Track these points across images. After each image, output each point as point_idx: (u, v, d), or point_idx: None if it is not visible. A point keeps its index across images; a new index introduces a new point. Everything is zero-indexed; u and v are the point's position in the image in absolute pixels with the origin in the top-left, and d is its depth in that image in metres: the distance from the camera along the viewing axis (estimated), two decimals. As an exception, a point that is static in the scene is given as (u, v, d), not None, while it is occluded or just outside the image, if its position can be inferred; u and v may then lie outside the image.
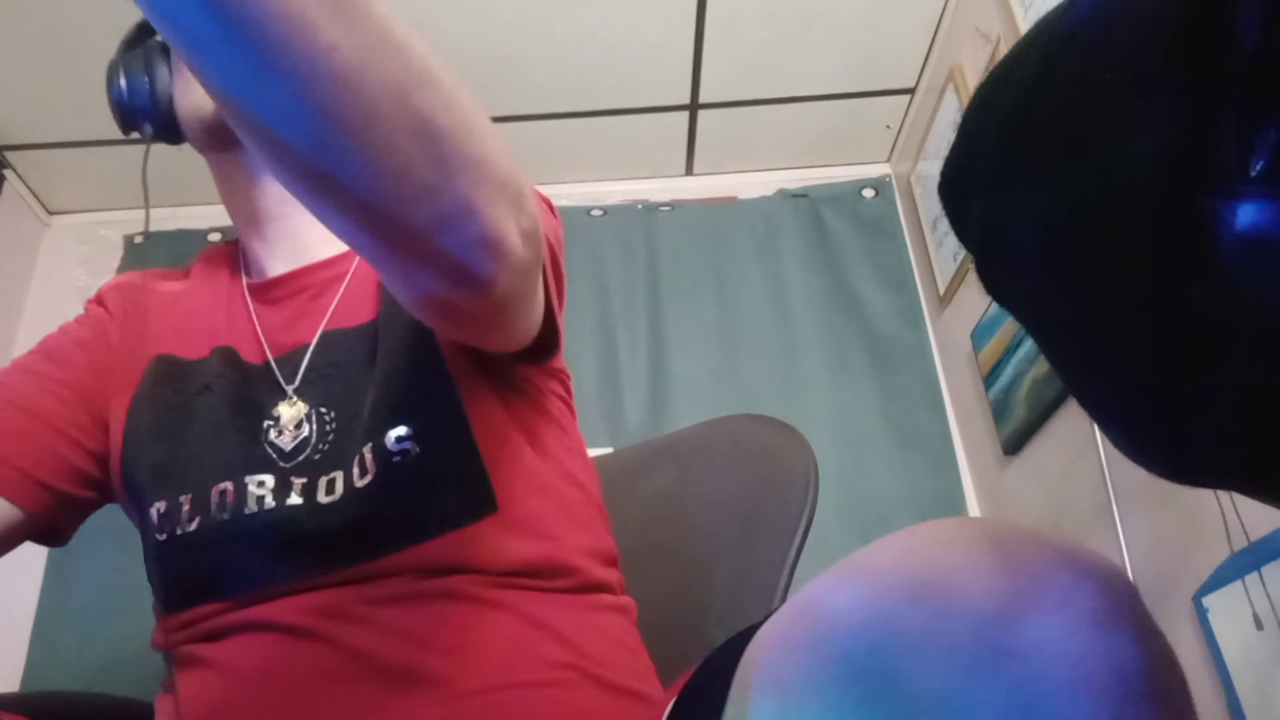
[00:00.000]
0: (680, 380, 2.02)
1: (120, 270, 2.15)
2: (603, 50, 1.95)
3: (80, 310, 0.85)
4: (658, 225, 2.22)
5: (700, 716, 0.47)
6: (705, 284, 2.14)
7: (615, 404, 2.01)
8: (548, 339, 0.70)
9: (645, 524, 0.97)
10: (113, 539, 1.72)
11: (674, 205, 2.26)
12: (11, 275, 2.14)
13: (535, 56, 1.95)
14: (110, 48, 0.83)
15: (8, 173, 2.10)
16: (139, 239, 2.18)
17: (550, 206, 0.78)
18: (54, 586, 1.83)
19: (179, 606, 0.68)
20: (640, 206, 2.25)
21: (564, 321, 0.75)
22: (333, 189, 0.44)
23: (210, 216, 2.14)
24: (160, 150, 0.82)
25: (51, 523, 0.76)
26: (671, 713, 0.54)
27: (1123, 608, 0.35)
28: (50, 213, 2.26)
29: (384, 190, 0.44)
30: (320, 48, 0.39)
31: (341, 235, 0.48)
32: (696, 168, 2.32)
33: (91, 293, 0.86)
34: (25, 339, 2.10)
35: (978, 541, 0.37)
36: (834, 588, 0.38)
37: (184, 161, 0.93)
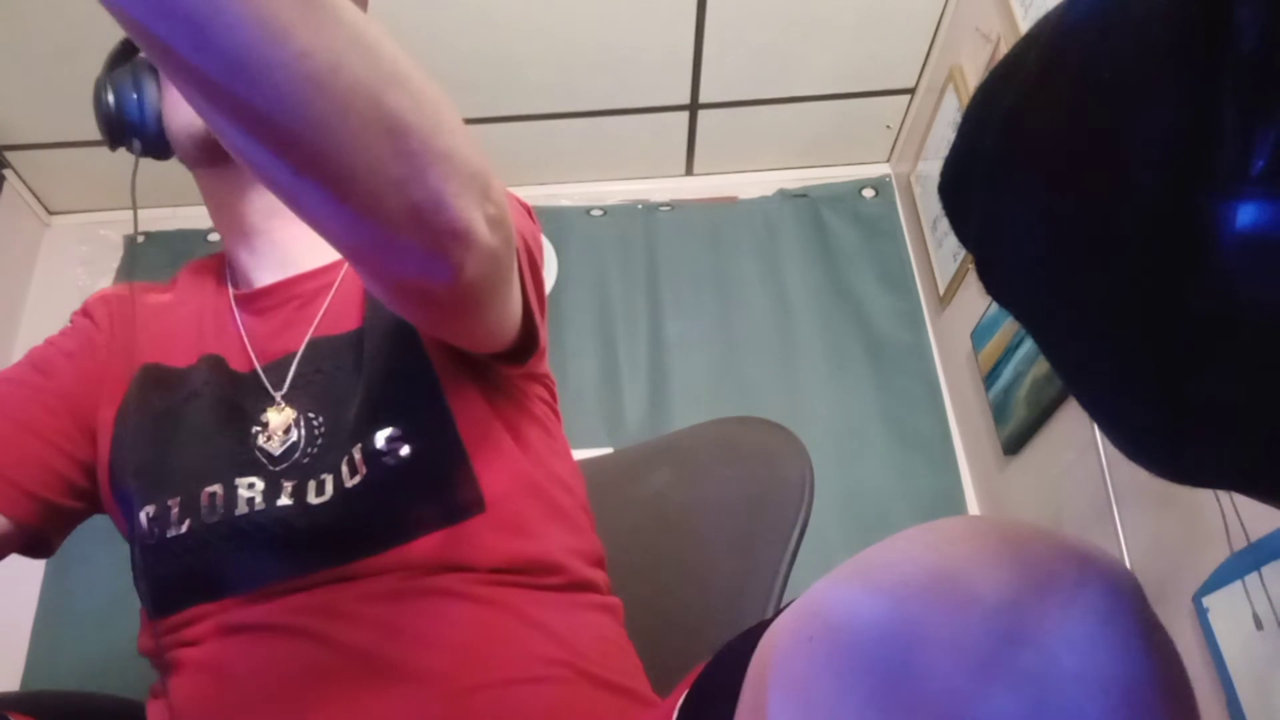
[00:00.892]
0: (680, 380, 2.02)
1: (120, 270, 2.15)
2: (603, 50, 1.95)
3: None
4: (658, 225, 2.22)
5: (712, 714, 0.47)
6: (705, 284, 2.14)
7: (615, 404, 2.01)
8: (528, 341, 0.71)
9: (641, 526, 0.97)
10: (113, 539, 1.71)
11: (674, 205, 2.25)
12: (11, 275, 2.14)
13: (535, 57, 1.95)
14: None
15: (8, 173, 2.10)
16: (140, 239, 2.18)
17: (529, 212, 0.78)
18: (54, 587, 1.83)
19: (170, 609, 0.68)
20: (640, 206, 2.25)
21: (545, 326, 0.75)
22: (307, 187, 0.45)
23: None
24: None
25: (39, 534, 0.76)
26: (681, 712, 0.54)
27: (1129, 603, 0.35)
28: (50, 213, 2.26)
29: (356, 185, 0.45)
30: (292, 53, 0.40)
31: (315, 228, 0.49)
32: (696, 168, 2.32)
33: (91, 293, 0.87)
34: (25, 339, 2.10)
35: (988, 538, 0.38)
36: (847, 584, 0.39)
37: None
